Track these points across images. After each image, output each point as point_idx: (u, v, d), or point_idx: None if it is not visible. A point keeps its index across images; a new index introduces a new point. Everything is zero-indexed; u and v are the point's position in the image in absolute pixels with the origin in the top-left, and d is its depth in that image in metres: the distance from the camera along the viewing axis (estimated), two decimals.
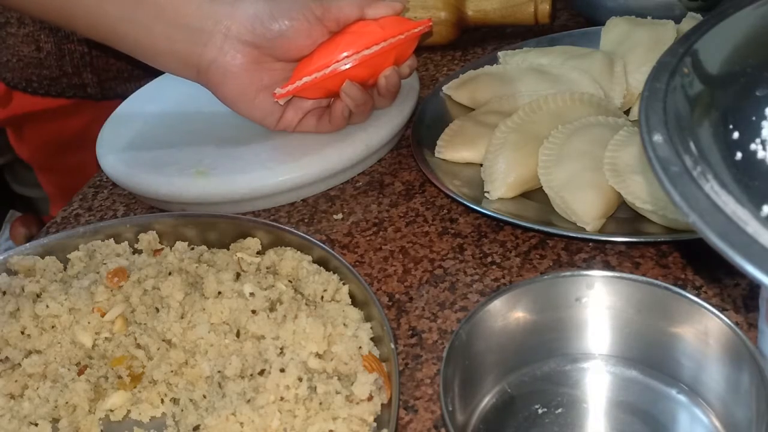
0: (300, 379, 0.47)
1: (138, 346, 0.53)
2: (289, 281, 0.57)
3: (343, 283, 0.56)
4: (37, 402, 0.51)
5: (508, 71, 0.78)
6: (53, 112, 1.02)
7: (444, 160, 0.69)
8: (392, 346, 0.50)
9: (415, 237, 0.64)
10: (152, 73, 0.87)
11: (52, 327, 0.54)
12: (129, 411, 0.51)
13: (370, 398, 0.47)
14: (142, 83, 0.88)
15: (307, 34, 0.65)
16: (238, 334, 0.53)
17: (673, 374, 0.47)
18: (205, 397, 0.50)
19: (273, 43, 0.65)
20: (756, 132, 0.38)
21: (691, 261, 0.57)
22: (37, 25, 0.96)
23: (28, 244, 0.62)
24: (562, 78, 0.74)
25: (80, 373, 0.52)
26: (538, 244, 0.61)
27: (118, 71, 1.01)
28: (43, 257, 0.61)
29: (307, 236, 0.60)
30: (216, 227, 0.63)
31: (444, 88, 0.79)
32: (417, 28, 0.68)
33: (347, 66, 0.65)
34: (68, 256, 0.62)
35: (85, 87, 1.00)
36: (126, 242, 0.62)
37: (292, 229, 0.61)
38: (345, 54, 0.66)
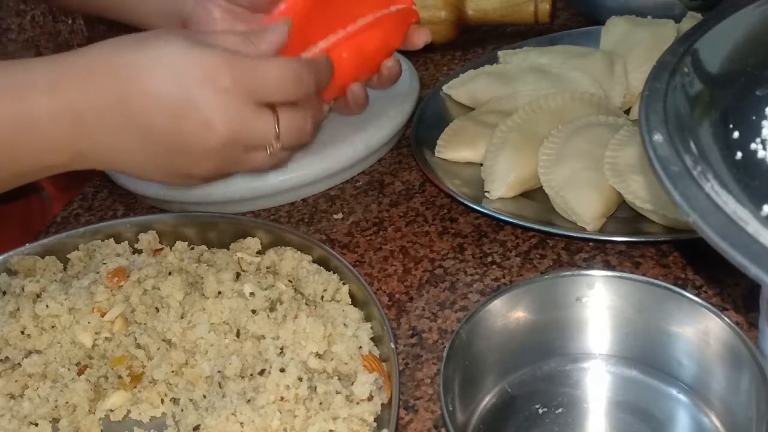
0: (300, 379, 0.47)
1: (138, 346, 0.53)
2: (289, 281, 0.57)
3: (343, 283, 0.56)
4: (37, 402, 0.51)
5: (508, 71, 0.78)
6: None
7: (444, 159, 0.69)
8: (392, 345, 0.50)
9: (415, 237, 0.64)
10: None
11: (52, 327, 0.54)
12: (129, 411, 0.51)
13: (370, 398, 0.47)
14: None
15: None
16: (238, 334, 0.53)
17: (673, 374, 0.47)
18: (205, 397, 0.50)
19: None
20: (756, 131, 0.38)
21: (691, 261, 0.57)
22: (37, 30, 0.96)
23: (28, 245, 0.62)
24: (563, 77, 0.74)
25: (80, 373, 0.52)
26: (539, 244, 0.61)
27: None
28: (43, 257, 0.61)
29: (307, 236, 0.60)
30: (216, 227, 0.63)
31: (444, 87, 0.79)
32: (396, 6, 0.66)
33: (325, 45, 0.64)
34: (68, 256, 0.62)
35: None
36: (126, 242, 0.62)
37: (292, 229, 0.61)
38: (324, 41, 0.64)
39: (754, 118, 0.39)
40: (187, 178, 0.58)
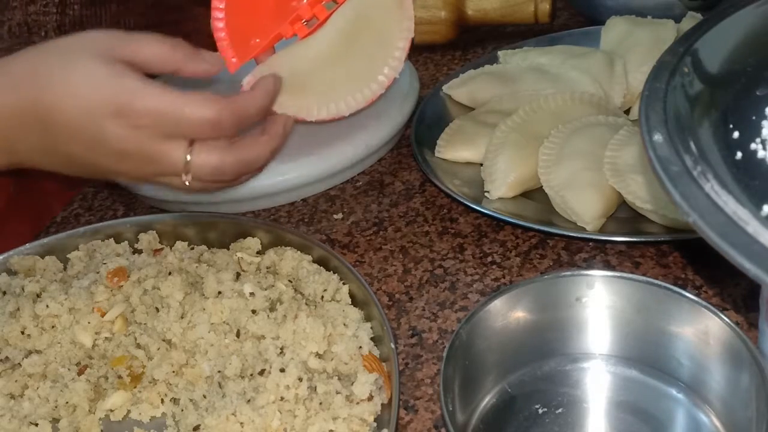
0: (300, 379, 0.47)
1: (138, 346, 0.53)
2: (289, 281, 0.57)
3: (343, 283, 0.56)
4: (37, 402, 0.51)
5: (508, 71, 0.78)
6: None
7: (444, 159, 0.69)
8: (392, 345, 0.50)
9: (415, 237, 0.64)
10: None
11: (52, 327, 0.54)
12: (129, 411, 0.51)
13: (370, 398, 0.47)
14: None
15: None
16: (238, 334, 0.53)
17: (673, 374, 0.47)
18: (205, 397, 0.50)
19: None
20: (756, 131, 0.38)
21: (691, 261, 0.57)
22: (14, 41, 0.96)
23: (28, 244, 0.62)
24: (562, 77, 0.74)
25: (80, 373, 0.52)
26: (539, 244, 0.61)
27: None
28: (43, 257, 0.61)
29: (307, 236, 0.60)
30: (216, 227, 0.63)
31: (444, 87, 0.79)
32: None
33: None
34: (68, 256, 0.62)
35: None
36: (126, 242, 0.62)
37: (292, 229, 0.61)
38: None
39: (754, 118, 0.39)
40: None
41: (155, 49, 0.55)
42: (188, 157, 0.53)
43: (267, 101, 0.57)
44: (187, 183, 0.55)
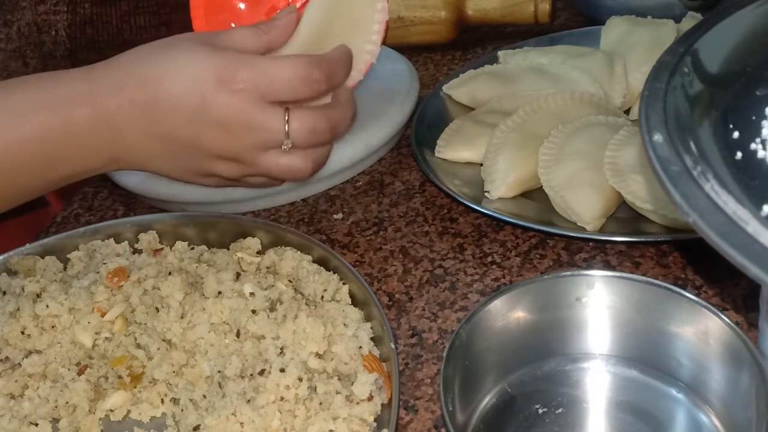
0: (300, 379, 0.47)
1: (138, 346, 0.53)
2: (289, 281, 0.57)
3: (343, 283, 0.56)
4: (37, 402, 0.51)
5: (508, 71, 0.78)
6: None
7: (444, 159, 0.69)
8: (392, 345, 0.50)
9: (415, 237, 0.64)
10: None
11: (52, 327, 0.54)
12: (129, 411, 0.51)
13: (370, 398, 0.47)
14: None
15: None
16: (238, 334, 0.53)
17: (673, 374, 0.47)
18: (205, 397, 0.50)
19: None
20: (756, 131, 0.38)
21: (691, 261, 0.57)
22: (23, 41, 0.96)
23: (28, 245, 0.62)
24: (562, 77, 0.74)
25: (80, 373, 0.52)
26: (539, 244, 0.61)
27: None
28: (43, 257, 0.61)
29: (307, 236, 0.60)
30: (216, 227, 0.63)
31: (444, 87, 0.79)
32: None
33: None
34: (68, 256, 0.62)
35: None
36: (126, 242, 0.62)
37: (292, 229, 0.61)
38: None
39: (754, 118, 0.39)
40: (211, 177, 0.61)
41: (244, 32, 0.59)
42: (287, 127, 0.57)
43: (347, 63, 0.61)
44: (285, 148, 0.58)
